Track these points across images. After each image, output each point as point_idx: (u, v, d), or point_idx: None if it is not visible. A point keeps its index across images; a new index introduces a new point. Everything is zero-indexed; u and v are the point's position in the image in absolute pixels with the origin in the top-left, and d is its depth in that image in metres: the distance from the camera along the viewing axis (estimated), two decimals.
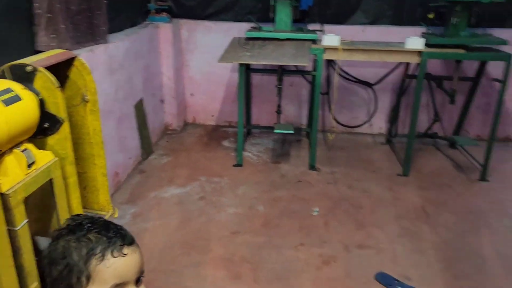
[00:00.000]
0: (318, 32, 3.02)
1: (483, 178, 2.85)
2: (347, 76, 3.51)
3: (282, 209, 2.50)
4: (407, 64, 3.18)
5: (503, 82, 2.66)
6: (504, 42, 2.69)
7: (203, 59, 3.60)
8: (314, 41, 2.92)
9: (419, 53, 2.72)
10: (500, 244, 2.19)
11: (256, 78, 3.60)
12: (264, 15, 3.20)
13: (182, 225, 2.32)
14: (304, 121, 3.70)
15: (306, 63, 2.51)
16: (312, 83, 3.37)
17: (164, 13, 3.34)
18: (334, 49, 2.80)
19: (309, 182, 2.82)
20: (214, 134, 3.62)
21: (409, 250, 2.15)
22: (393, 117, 3.42)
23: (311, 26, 3.32)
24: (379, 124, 3.64)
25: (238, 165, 3.02)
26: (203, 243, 2.17)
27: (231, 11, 3.47)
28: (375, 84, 3.50)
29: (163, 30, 3.31)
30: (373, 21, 3.39)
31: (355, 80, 3.52)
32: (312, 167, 2.99)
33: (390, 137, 3.46)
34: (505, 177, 2.90)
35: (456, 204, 2.58)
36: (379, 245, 2.19)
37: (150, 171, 2.92)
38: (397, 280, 1.92)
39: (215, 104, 3.78)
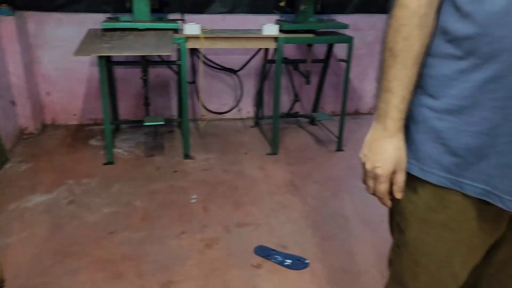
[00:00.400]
0: (179, 22, 3.02)
1: (339, 148, 3.20)
2: (212, 64, 3.59)
3: (160, 201, 2.48)
4: (266, 49, 3.37)
5: (347, 62, 3.00)
6: (345, 26, 3.03)
7: (56, 54, 3.32)
8: (176, 31, 2.91)
9: (275, 39, 2.91)
10: (358, 204, 2.50)
11: (119, 71, 3.45)
12: (121, 5, 3.07)
13: (52, 234, 2.15)
14: (174, 111, 3.68)
15: (169, 52, 2.50)
16: (178, 73, 3.37)
17: (4, 4, 2.98)
18: (196, 38, 2.83)
19: (185, 171, 2.84)
20: (79, 133, 3.39)
21: (282, 221, 2.32)
22: (259, 101, 3.61)
23: (171, 16, 3.29)
24: (247, 108, 3.81)
25: (109, 163, 2.89)
26: (78, 248, 2.05)
27: (84, 2, 3.25)
28: (239, 70, 3.64)
29: (5, 24, 2.96)
30: (231, 10, 3.51)
31: (220, 67, 3.61)
32: (186, 156, 3.01)
33: (257, 119, 3.66)
34: (356, 145, 3.30)
35: (319, 174, 2.86)
36: (256, 221, 2.32)
37: (7, 181, 2.63)
38: (274, 250, 2.07)
39: (76, 102, 3.53)
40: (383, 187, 0.92)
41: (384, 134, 0.89)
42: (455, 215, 0.90)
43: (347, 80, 3.06)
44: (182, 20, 3.20)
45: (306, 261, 2.01)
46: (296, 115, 3.70)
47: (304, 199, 2.55)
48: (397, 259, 1.08)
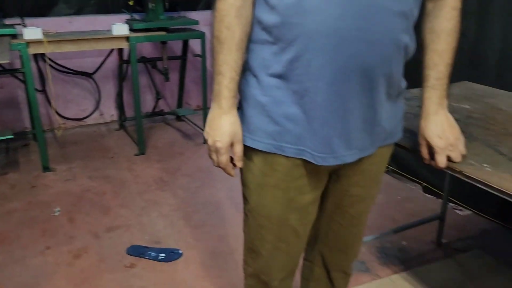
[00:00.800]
0: (18, 26, 2.79)
1: (205, 141, 3.30)
2: (64, 69, 3.40)
3: (18, 220, 2.30)
4: (121, 50, 3.31)
5: (202, 56, 3.10)
6: (196, 22, 3.13)
7: None
8: (14, 36, 2.69)
9: (127, 38, 2.88)
10: (227, 189, 2.63)
11: None
12: None
13: None
14: (28, 123, 3.40)
15: (5, 60, 2.31)
16: (25, 81, 3.12)
17: None
18: (39, 42, 2.66)
19: (46, 185, 2.67)
20: None
21: (154, 218, 2.34)
22: (120, 103, 3.53)
23: (8, 21, 3.02)
24: (110, 111, 3.70)
25: None
26: None
27: None
28: (94, 73, 3.51)
29: None
30: (78, 11, 3.36)
31: (72, 72, 3.44)
32: (46, 168, 2.83)
33: (122, 122, 3.58)
34: None
35: (188, 167, 2.93)
36: (127, 222, 2.30)
37: None
38: (147, 247, 2.09)
39: None
40: (224, 159, 1.02)
41: (220, 112, 0.99)
42: (283, 177, 1.04)
43: (204, 74, 3.17)
44: (22, 24, 2.96)
45: (180, 252, 2.07)
46: (161, 113, 3.71)
47: (175, 192, 2.59)
48: (247, 227, 1.21)
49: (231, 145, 1.02)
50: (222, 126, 1.00)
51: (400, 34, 0.93)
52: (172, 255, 2.05)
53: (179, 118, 3.75)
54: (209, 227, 2.27)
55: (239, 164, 1.05)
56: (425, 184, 2.66)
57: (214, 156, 1.04)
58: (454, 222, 2.31)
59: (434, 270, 1.95)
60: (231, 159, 1.04)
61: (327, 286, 1.37)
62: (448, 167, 1.09)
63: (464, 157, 1.11)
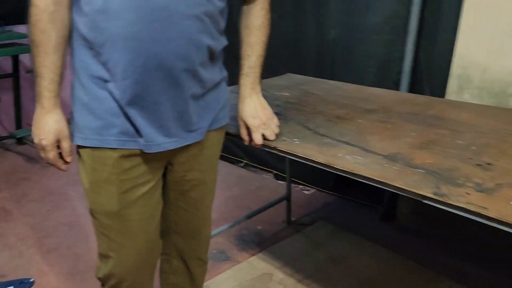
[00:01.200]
0: None
1: None
2: None
3: None
4: None
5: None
6: (24, 36, 2.92)
7: None
8: None
9: None
10: (81, 207, 2.50)
11: None
12: None
13: None
14: None
15: None
16: None
17: None
18: None
19: None
20: None
21: None
22: None
23: None
24: None
25: None
26: None
27: None
28: None
29: None
30: None
31: None
32: None
33: None
34: None
35: (36, 191, 2.71)
36: None
37: None
38: None
39: None
40: (51, 155, 1.06)
41: (42, 111, 1.03)
42: (113, 170, 1.07)
43: None
44: None
45: (31, 280, 1.91)
46: None
47: (22, 220, 2.38)
48: (95, 231, 1.18)
49: (58, 141, 1.05)
50: (46, 124, 1.03)
51: (198, 35, 1.02)
52: (21, 286, 1.88)
53: (20, 141, 3.42)
54: (64, 249, 2.15)
55: (68, 159, 1.09)
56: (275, 172, 2.90)
57: (42, 154, 1.07)
58: (301, 201, 2.57)
59: (285, 245, 2.15)
60: (61, 155, 1.08)
61: (186, 276, 1.41)
62: (264, 145, 1.23)
63: (278, 135, 1.27)
